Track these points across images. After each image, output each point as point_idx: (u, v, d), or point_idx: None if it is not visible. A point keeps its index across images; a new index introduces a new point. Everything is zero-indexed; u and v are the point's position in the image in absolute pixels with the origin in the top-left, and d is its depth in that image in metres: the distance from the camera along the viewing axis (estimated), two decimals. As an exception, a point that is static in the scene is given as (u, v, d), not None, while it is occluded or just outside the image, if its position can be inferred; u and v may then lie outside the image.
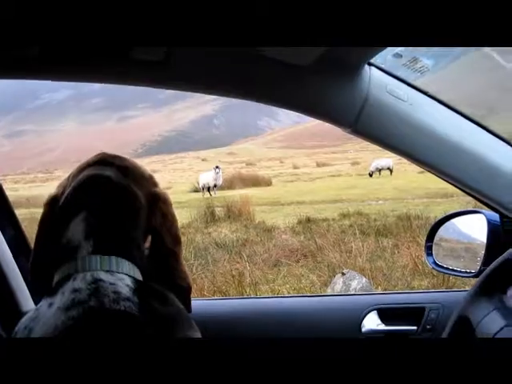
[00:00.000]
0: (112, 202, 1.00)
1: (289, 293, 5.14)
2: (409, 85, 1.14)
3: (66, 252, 0.96)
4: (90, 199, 1.00)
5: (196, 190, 18.58)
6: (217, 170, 17.56)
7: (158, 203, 1.07)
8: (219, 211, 10.40)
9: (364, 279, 4.98)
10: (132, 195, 1.03)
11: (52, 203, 1.06)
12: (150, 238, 1.06)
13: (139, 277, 0.98)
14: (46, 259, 1.02)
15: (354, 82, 1.08)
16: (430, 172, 1.20)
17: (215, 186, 17.58)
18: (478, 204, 1.37)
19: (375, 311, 1.63)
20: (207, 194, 17.17)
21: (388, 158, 20.54)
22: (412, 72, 1.18)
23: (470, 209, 1.58)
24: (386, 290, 4.95)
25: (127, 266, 0.96)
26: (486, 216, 1.37)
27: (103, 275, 0.93)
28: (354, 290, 4.74)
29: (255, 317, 1.70)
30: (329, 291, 4.95)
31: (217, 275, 5.62)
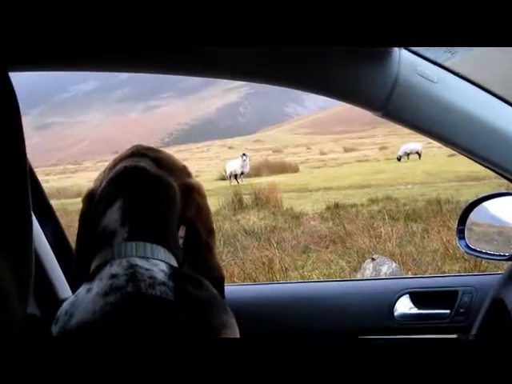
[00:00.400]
0: (147, 192, 1.03)
1: (318, 278, 5.14)
2: (439, 66, 1.12)
3: (103, 239, 0.99)
4: (126, 189, 1.03)
5: (223, 178, 18.64)
6: (244, 157, 17.57)
7: (192, 194, 1.09)
8: (247, 199, 10.42)
9: (394, 264, 4.95)
10: (166, 185, 1.05)
11: (90, 197, 1.09)
12: (184, 228, 1.08)
13: (174, 263, 1.00)
14: (87, 252, 1.05)
15: (383, 64, 1.07)
16: (462, 154, 1.18)
17: (242, 173, 17.60)
18: (511, 187, 1.35)
19: (407, 295, 1.63)
20: (234, 182, 17.20)
21: (416, 142, 20.24)
22: (442, 53, 1.16)
23: (503, 191, 1.56)
24: (416, 274, 4.91)
25: (162, 253, 0.98)
26: (519, 198, 1.35)
27: (139, 261, 0.95)
28: (384, 275, 4.72)
29: (286, 302, 1.72)
30: (359, 277, 4.95)
31: (246, 262, 5.65)
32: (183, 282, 0.96)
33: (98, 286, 0.93)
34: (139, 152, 1.10)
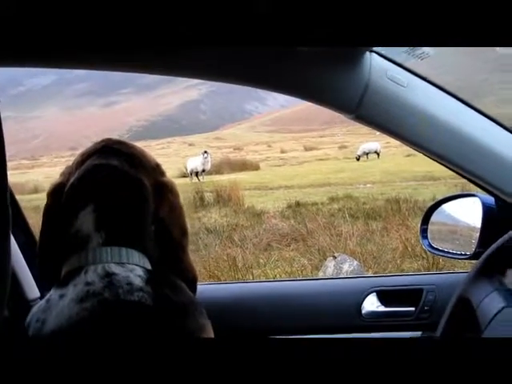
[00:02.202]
0: (120, 193, 1.00)
1: (280, 276, 5.18)
2: (409, 71, 1.15)
3: (76, 243, 0.96)
4: (98, 190, 0.99)
5: (184, 176, 18.49)
6: (205, 154, 17.49)
7: (165, 193, 1.07)
8: (208, 196, 10.40)
9: (355, 262, 5.02)
10: (140, 185, 1.02)
11: (56, 193, 1.04)
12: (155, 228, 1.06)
13: (149, 267, 0.99)
14: (53, 250, 1.02)
15: (355, 68, 1.09)
16: (431, 158, 1.21)
17: (203, 170, 17.53)
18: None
19: (374, 293, 1.66)
20: (195, 179, 17.12)
21: (375, 142, 20.56)
22: (412, 58, 1.19)
23: (465, 192, 1.61)
24: (376, 272, 5.01)
25: (137, 257, 0.97)
26: (480, 199, 1.39)
27: (115, 267, 0.93)
28: (345, 273, 4.79)
29: (253, 301, 1.72)
30: (321, 274, 5.00)
31: (209, 260, 5.63)
32: (160, 286, 0.95)
33: (72, 292, 0.90)
34: (110, 147, 1.06)
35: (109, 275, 0.92)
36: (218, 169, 19.30)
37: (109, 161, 1.03)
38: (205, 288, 1.82)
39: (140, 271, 0.95)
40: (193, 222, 8.24)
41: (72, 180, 1.03)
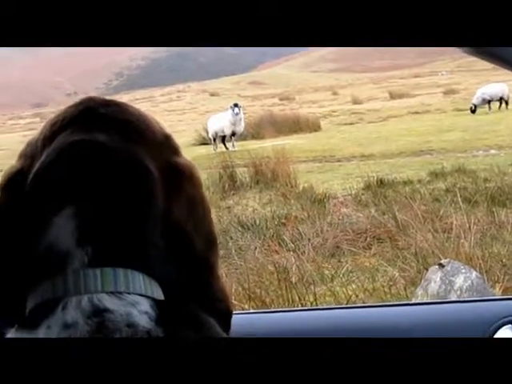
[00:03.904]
0: (112, 186, 0.98)
1: (357, 296, 5.17)
2: None
3: (47, 264, 0.94)
4: (79, 182, 0.96)
5: (204, 142, 18.72)
6: (235, 109, 17.61)
7: (181, 183, 1.04)
8: (242, 173, 10.50)
9: (474, 273, 4.95)
10: (141, 171, 0.99)
11: (13, 187, 1.01)
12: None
13: (160, 295, 0.97)
14: (11, 274, 1.01)
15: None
16: None
17: (234, 134, 17.67)
18: None
19: (510, 325, 1.64)
20: (221, 148, 17.26)
21: (501, 83, 20.26)
22: None
23: None
24: (509, 290, 4.94)
25: (141, 282, 0.94)
26: None
27: (108, 299, 0.90)
28: (460, 291, 4.74)
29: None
30: (420, 294, 4.97)
31: (246, 272, 5.65)
32: (177, 325, 0.94)
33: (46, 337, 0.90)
34: (95, 113, 1.05)
35: (99, 312, 0.90)
36: (256, 131, 19.44)
37: (93, 135, 1.00)
38: (243, 319, 1.83)
39: (146, 304, 0.92)
40: (220, 213, 8.33)
41: (37, 166, 1.01)
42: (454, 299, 4.33)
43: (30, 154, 1.05)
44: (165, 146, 1.08)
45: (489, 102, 20.56)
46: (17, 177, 1.02)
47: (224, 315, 1.08)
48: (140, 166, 0.99)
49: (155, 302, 0.94)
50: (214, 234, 1.10)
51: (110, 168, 0.98)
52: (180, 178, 1.04)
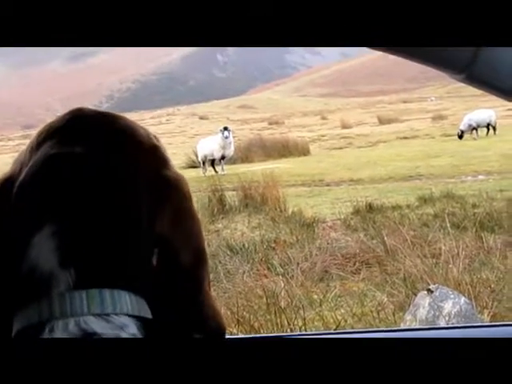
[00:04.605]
0: (92, 202, 0.97)
1: (346, 321, 5.17)
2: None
3: (31, 286, 0.94)
4: (60, 198, 0.96)
5: (194, 165, 18.68)
6: (225, 133, 17.61)
7: (170, 196, 1.05)
8: (231, 197, 10.48)
9: (463, 299, 4.96)
10: (127, 184, 1.00)
11: (3, 192, 1.02)
12: (156, 251, 1.04)
13: (147, 313, 0.97)
14: None
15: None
16: None
17: (223, 157, 17.65)
18: None
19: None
20: (211, 171, 17.25)
21: (488, 109, 20.33)
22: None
23: None
24: (496, 316, 4.94)
25: (128, 301, 0.94)
26: None
27: (95, 322, 0.91)
28: (447, 316, 4.75)
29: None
30: (408, 319, 4.96)
31: (235, 296, 5.66)
32: None
33: None
34: (80, 122, 1.06)
35: (87, 336, 0.90)
36: (245, 155, 19.44)
37: (73, 147, 1.00)
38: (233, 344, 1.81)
39: (134, 327, 0.93)
40: (209, 236, 8.31)
41: (22, 177, 1.00)
42: (440, 324, 4.33)
43: (19, 161, 1.06)
44: (152, 157, 1.08)
45: (475, 128, 20.60)
46: (7, 184, 1.03)
47: (215, 333, 1.07)
48: (122, 179, 1.00)
49: (142, 323, 0.94)
50: (203, 248, 1.10)
51: (89, 183, 0.99)
52: (166, 190, 1.04)
